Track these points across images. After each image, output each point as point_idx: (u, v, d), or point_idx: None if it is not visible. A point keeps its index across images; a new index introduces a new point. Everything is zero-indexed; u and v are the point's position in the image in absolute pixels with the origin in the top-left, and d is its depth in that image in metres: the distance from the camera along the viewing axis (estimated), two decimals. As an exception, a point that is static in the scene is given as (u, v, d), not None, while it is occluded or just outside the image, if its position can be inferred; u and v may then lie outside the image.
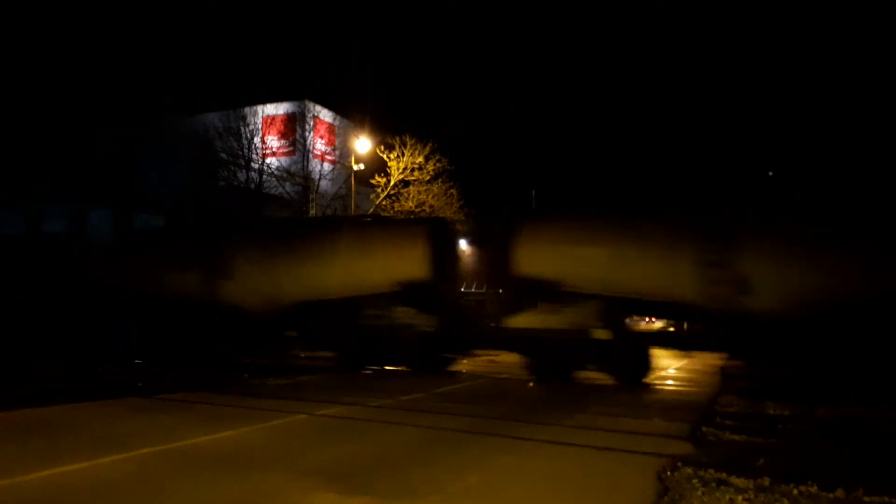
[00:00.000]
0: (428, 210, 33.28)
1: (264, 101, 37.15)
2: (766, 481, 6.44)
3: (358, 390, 13.75)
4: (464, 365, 18.94)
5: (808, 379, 13.41)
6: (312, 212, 32.82)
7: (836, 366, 13.34)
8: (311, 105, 37.70)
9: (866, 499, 6.00)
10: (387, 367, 18.32)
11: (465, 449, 8.25)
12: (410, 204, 33.42)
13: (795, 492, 6.17)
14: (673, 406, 12.54)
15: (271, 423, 9.69)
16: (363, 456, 7.72)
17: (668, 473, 6.77)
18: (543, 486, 6.55)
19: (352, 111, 34.96)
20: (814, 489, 6.23)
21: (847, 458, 7.72)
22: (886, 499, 5.97)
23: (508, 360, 18.96)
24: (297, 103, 38.35)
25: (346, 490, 6.20)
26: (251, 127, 33.23)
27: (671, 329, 22.88)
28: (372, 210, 33.03)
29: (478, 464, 7.38)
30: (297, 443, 8.57)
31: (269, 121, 37.40)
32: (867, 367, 13.03)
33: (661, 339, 19.53)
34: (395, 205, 33.55)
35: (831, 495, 6.10)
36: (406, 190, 33.71)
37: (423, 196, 33.71)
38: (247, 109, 34.27)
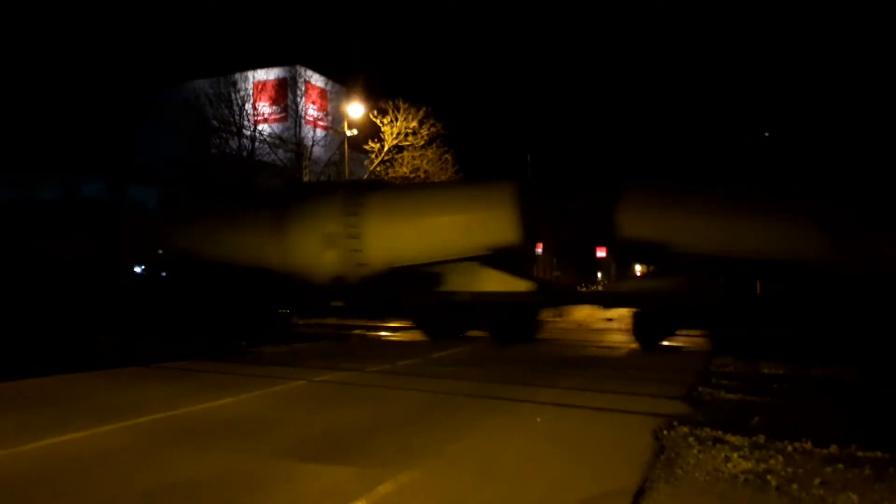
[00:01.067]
0: (423, 176, 33.10)
1: (255, 67, 36.65)
2: (762, 438, 6.52)
3: (356, 357, 13.82)
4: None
5: (803, 340, 13.49)
6: (306, 178, 32.61)
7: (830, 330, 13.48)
8: (302, 70, 37.16)
9: (860, 454, 6.08)
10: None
11: (464, 412, 8.32)
12: (405, 169, 33.22)
13: (790, 448, 6.25)
14: (669, 367, 12.65)
15: (271, 390, 9.75)
16: (362, 420, 7.78)
17: (665, 432, 6.85)
18: (541, 447, 6.63)
19: (344, 76, 34.59)
20: (808, 445, 6.31)
21: (841, 415, 7.82)
22: (879, 454, 6.06)
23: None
24: (287, 68, 37.80)
25: (346, 454, 6.26)
26: (242, 93, 32.78)
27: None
28: (366, 176, 32.83)
29: (476, 426, 7.45)
30: (296, 409, 8.63)
31: (260, 87, 36.92)
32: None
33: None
34: (390, 171, 33.34)
35: (825, 451, 6.17)
36: (400, 155, 33.45)
37: (417, 161, 33.48)
38: (237, 75, 33.80)
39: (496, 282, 16.70)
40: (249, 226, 18.74)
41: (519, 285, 16.71)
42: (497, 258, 16.67)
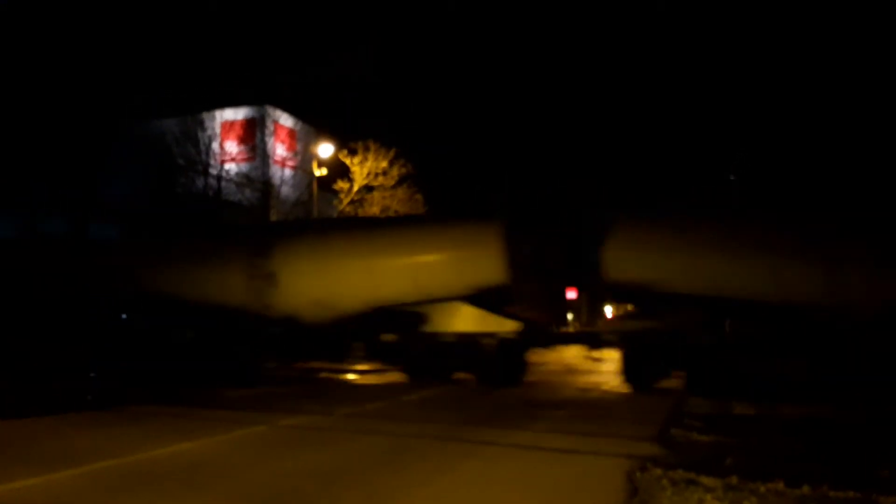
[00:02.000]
0: (393, 216, 33.08)
1: (223, 106, 36.54)
2: (735, 480, 6.45)
3: (323, 400, 13.53)
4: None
5: (774, 379, 13.55)
6: (273, 218, 32.35)
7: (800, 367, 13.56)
8: (270, 110, 37.19)
9: (831, 494, 6.05)
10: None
11: (432, 455, 8.13)
12: (375, 209, 33.19)
13: (763, 489, 6.19)
14: (640, 407, 12.60)
15: (232, 435, 9.44)
16: (326, 466, 7.55)
17: (638, 474, 6.75)
18: (511, 491, 6.47)
19: (313, 116, 34.67)
20: (781, 486, 6.25)
21: (812, 455, 7.79)
22: (851, 494, 6.02)
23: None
24: (256, 108, 37.81)
25: (308, 503, 6.04)
26: (209, 132, 32.60)
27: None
28: (336, 215, 32.70)
29: (444, 470, 7.27)
30: (258, 455, 8.33)
31: (228, 126, 36.75)
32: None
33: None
34: (359, 210, 33.27)
35: (798, 492, 6.13)
36: (370, 195, 33.45)
37: (387, 201, 33.49)
38: (205, 114, 33.64)
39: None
40: (217, 265, 18.09)
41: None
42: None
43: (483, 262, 15.91)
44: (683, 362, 15.30)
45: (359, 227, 19.87)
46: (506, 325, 16.23)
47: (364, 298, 16.58)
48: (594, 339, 17.75)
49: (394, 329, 16.96)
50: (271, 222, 25.32)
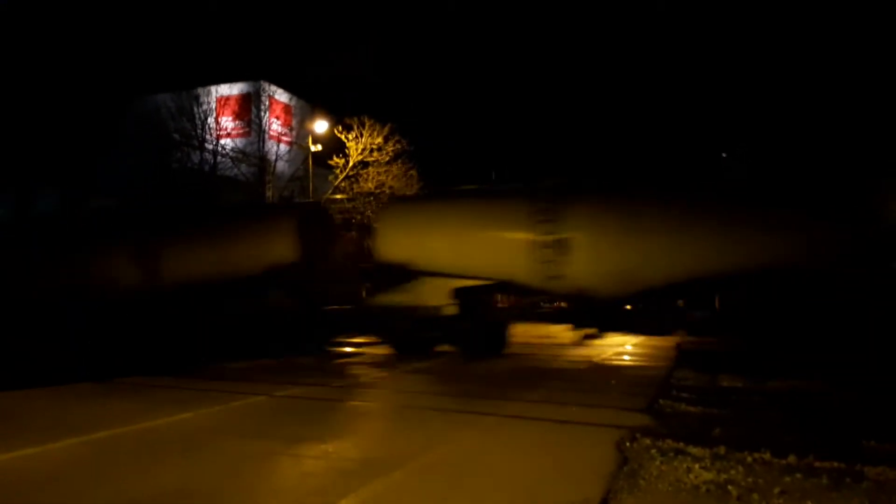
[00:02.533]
0: (388, 191, 33.05)
1: (218, 81, 36.33)
2: (722, 450, 6.60)
3: (321, 372, 13.67)
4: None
5: (761, 354, 13.75)
6: (269, 193, 32.33)
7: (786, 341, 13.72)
8: (266, 85, 37.00)
9: (817, 464, 6.19)
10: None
11: (430, 425, 8.28)
12: (370, 185, 33.14)
13: (750, 459, 6.35)
14: (631, 381, 12.77)
15: (230, 405, 9.57)
16: (327, 433, 7.68)
17: (628, 444, 6.90)
18: (507, 459, 6.61)
19: (309, 92, 34.52)
20: (767, 456, 6.41)
21: (798, 426, 7.95)
22: (836, 464, 6.17)
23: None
24: (251, 83, 37.61)
25: (309, 467, 6.16)
26: (204, 107, 32.47)
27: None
28: (330, 191, 32.68)
29: (442, 439, 7.40)
30: (256, 424, 8.48)
31: (224, 101, 36.54)
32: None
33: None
34: (355, 186, 33.25)
35: (784, 461, 6.28)
36: (365, 171, 33.38)
37: (382, 177, 33.42)
38: (200, 90, 33.46)
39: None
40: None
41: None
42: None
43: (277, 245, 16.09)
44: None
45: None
46: (291, 303, 16.71)
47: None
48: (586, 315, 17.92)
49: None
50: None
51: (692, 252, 14.06)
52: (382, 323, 17.35)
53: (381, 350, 18.34)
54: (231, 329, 16.30)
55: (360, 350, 19.03)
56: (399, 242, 16.62)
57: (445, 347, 17.40)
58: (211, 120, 32.53)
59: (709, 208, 14.54)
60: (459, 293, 16.10)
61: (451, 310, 16.10)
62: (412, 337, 16.97)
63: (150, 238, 16.72)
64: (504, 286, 16.31)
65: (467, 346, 16.84)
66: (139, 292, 16.24)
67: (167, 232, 17.05)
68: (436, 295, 16.13)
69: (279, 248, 15.90)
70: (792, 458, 6.33)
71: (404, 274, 16.44)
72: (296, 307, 16.92)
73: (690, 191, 15.68)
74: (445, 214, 16.74)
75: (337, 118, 32.30)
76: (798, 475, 5.84)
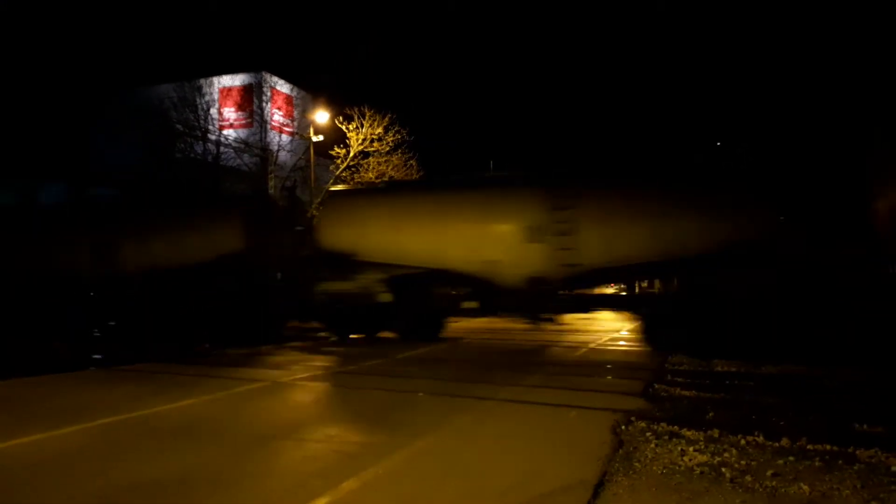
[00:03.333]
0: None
1: (220, 72, 36.36)
2: (716, 433, 6.71)
3: (320, 359, 13.78)
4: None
5: (754, 339, 13.76)
6: (271, 184, 32.39)
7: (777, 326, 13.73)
8: (268, 76, 36.99)
9: (810, 447, 6.28)
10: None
11: (427, 410, 8.38)
12: (370, 175, 33.20)
13: (743, 442, 6.44)
14: (626, 365, 12.86)
15: (233, 391, 9.68)
16: (327, 417, 7.79)
17: (623, 427, 7.00)
18: (502, 443, 6.71)
19: (310, 82, 34.50)
20: (760, 439, 6.50)
21: (791, 410, 8.04)
22: (828, 446, 6.26)
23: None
24: (253, 74, 37.62)
25: (309, 452, 6.27)
26: (207, 98, 32.55)
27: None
28: (332, 181, 32.74)
29: (439, 424, 7.50)
30: (258, 409, 8.59)
31: (226, 92, 36.66)
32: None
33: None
34: (356, 176, 33.31)
35: (777, 444, 6.37)
36: (366, 161, 33.46)
37: (382, 167, 33.50)
38: (202, 80, 33.52)
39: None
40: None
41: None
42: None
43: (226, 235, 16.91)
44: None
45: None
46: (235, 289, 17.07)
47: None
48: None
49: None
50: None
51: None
52: (325, 309, 17.91)
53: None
54: (189, 317, 16.96)
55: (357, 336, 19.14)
56: (340, 233, 17.43)
57: (387, 334, 17.89)
58: (214, 111, 32.62)
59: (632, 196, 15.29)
60: (394, 280, 16.95)
61: (386, 297, 16.96)
62: (352, 322, 17.67)
63: (110, 229, 18.01)
64: (437, 274, 16.76)
65: (404, 332, 17.45)
66: (107, 279, 17.49)
67: (126, 224, 18.22)
68: (373, 282, 17.01)
69: (227, 238, 16.93)
70: (785, 441, 6.42)
71: (346, 263, 17.19)
72: (246, 295, 17.41)
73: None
74: (382, 206, 17.74)
75: (338, 109, 32.36)
76: (791, 458, 5.93)
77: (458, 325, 20.39)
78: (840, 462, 5.82)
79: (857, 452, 6.07)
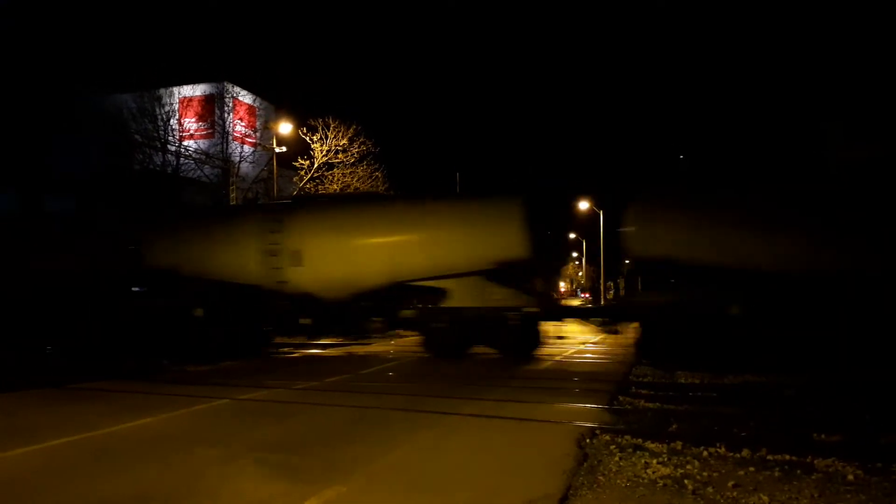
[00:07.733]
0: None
1: (181, 82, 35.81)
2: (679, 445, 6.77)
3: (284, 374, 13.60)
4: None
5: (717, 350, 13.96)
6: (233, 195, 31.99)
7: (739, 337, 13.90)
8: (229, 86, 36.60)
9: (769, 457, 6.39)
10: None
11: (391, 426, 8.29)
12: (335, 187, 33.03)
13: (705, 453, 6.52)
14: (591, 377, 12.94)
15: (193, 409, 9.48)
16: (288, 437, 7.66)
17: (588, 441, 7.03)
18: (467, 458, 6.67)
19: (273, 93, 34.23)
20: (722, 450, 6.60)
21: (752, 421, 8.16)
22: (787, 457, 6.37)
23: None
24: (215, 84, 37.17)
25: (271, 471, 6.15)
26: (167, 108, 32.01)
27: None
28: (295, 193, 32.46)
29: (402, 440, 7.44)
30: (220, 427, 8.41)
31: (186, 102, 36.07)
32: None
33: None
34: (320, 188, 33.09)
35: (738, 455, 6.47)
36: (330, 173, 33.29)
37: (347, 179, 33.37)
38: (162, 90, 32.97)
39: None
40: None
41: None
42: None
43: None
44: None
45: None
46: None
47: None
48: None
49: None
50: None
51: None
52: (150, 322, 17.81)
53: (342, 351, 18.34)
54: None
55: (321, 352, 18.94)
56: (165, 251, 18.08)
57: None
58: (174, 121, 32.10)
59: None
60: (209, 295, 17.58)
61: (199, 311, 17.36)
62: (173, 336, 17.49)
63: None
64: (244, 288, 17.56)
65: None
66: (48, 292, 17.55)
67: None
68: (193, 297, 17.60)
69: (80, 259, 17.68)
70: (746, 452, 6.52)
71: (171, 278, 17.74)
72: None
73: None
74: (199, 227, 18.75)
75: (302, 119, 32.16)
76: (751, 468, 6.02)
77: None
78: (799, 472, 5.93)
79: (815, 462, 6.19)
